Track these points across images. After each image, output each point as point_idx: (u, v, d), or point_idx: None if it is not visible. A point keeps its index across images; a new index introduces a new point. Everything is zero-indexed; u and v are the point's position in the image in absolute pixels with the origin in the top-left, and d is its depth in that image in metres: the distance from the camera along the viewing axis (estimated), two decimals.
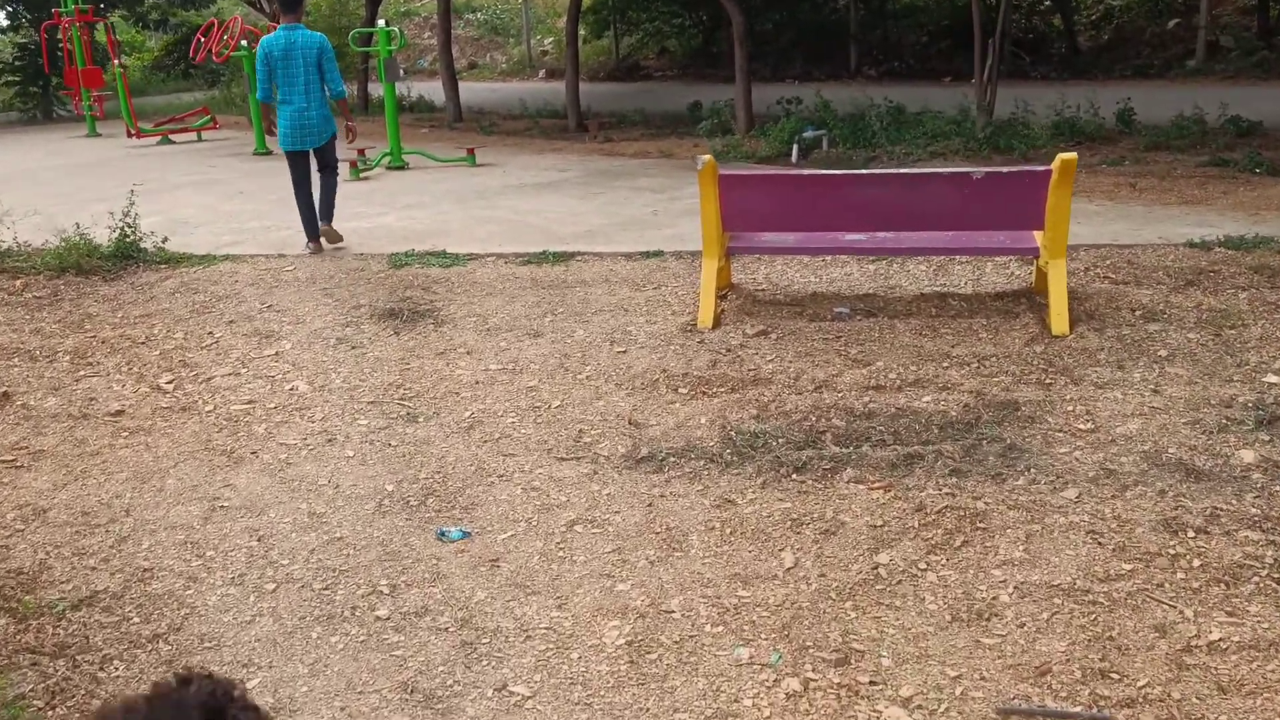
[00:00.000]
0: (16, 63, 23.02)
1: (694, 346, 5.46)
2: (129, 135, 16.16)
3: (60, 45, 19.17)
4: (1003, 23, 12.00)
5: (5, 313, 6.70)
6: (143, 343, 5.98)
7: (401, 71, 15.89)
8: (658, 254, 7.20)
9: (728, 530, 3.55)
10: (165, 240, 7.78)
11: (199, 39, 14.10)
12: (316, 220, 7.74)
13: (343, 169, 10.12)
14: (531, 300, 6.38)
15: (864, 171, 7.07)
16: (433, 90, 20.97)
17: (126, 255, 7.58)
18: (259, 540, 3.63)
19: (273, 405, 4.92)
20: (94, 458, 4.39)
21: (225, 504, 3.91)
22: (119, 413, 4.89)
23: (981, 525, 3.53)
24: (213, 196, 10.54)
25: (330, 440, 4.45)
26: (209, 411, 4.89)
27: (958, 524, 3.50)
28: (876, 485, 3.82)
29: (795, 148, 11.23)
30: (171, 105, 23.05)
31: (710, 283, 5.82)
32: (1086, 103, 11.61)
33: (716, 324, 5.75)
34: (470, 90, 21.10)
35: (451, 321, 6.06)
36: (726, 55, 24.59)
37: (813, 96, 14.07)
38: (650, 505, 3.75)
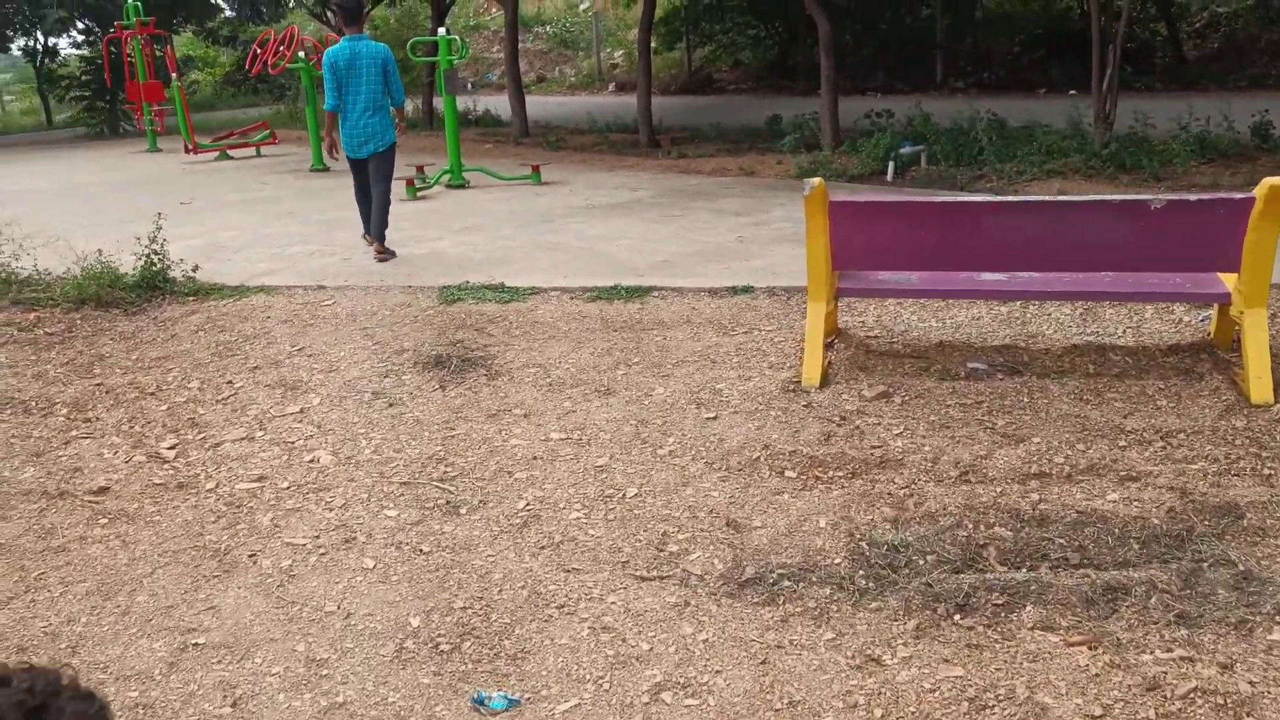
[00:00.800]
0: (84, 77, 22.84)
1: (800, 412, 4.45)
2: (187, 151, 15.64)
3: (124, 59, 18.82)
4: (1124, 29, 10.80)
5: (10, 351, 5.94)
6: (152, 393, 5.15)
7: (469, 84, 15.10)
8: (747, 290, 6.21)
9: (877, 712, 2.53)
10: (196, 269, 6.99)
11: (255, 51, 13.48)
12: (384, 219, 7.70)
13: (399, 187, 9.35)
14: (601, 346, 5.43)
15: (1007, 199, 6.01)
16: (500, 105, 20.25)
17: (152, 286, 6.80)
18: (233, 705, 2.70)
19: (286, 484, 4.02)
20: (57, 557, 3.53)
21: (201, 639, 3.00)
22: (103, 490, 4.04)
23: None
24: (258, 216, 9.79)
25: (348, 540, 3.52)
26: (209, 490, 4.01)
27: (1215, 718, 2.44)
28: (1076, 639, 2.77)
29: (891, 165, 10.16)
30: (235, 120, 22.69)
31: (817, 331, 4.81)
32: (1217, 115, 10.35)
33: (825, 382, 4.74)
34: (538, 104, 20.34)
35: (507, 373, 5.13)
36: (803, 68, 23.57)
37: (904, 110, 12.99)
38: (764, 662, 2.75)
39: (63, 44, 27.01)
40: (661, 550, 3.37)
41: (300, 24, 29.84)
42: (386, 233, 7.63)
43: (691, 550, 3.36)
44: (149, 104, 17.64)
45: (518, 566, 3.29)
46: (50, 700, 1.05)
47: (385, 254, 7.52)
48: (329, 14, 20.82)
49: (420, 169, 11.24)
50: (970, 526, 3.37)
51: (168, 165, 15.30)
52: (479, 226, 8.66)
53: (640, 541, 3.43)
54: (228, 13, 27.09)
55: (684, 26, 24.94)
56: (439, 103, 17.85)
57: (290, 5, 24.65)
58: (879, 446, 4.07)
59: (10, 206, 11.33)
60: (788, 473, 3.92)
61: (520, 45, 18.21)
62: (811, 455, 4.02)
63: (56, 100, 25.83)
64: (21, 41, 25.85)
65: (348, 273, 7.17)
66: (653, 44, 27.17)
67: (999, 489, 3.64)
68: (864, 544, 3.31)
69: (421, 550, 3.41)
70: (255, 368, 5.42)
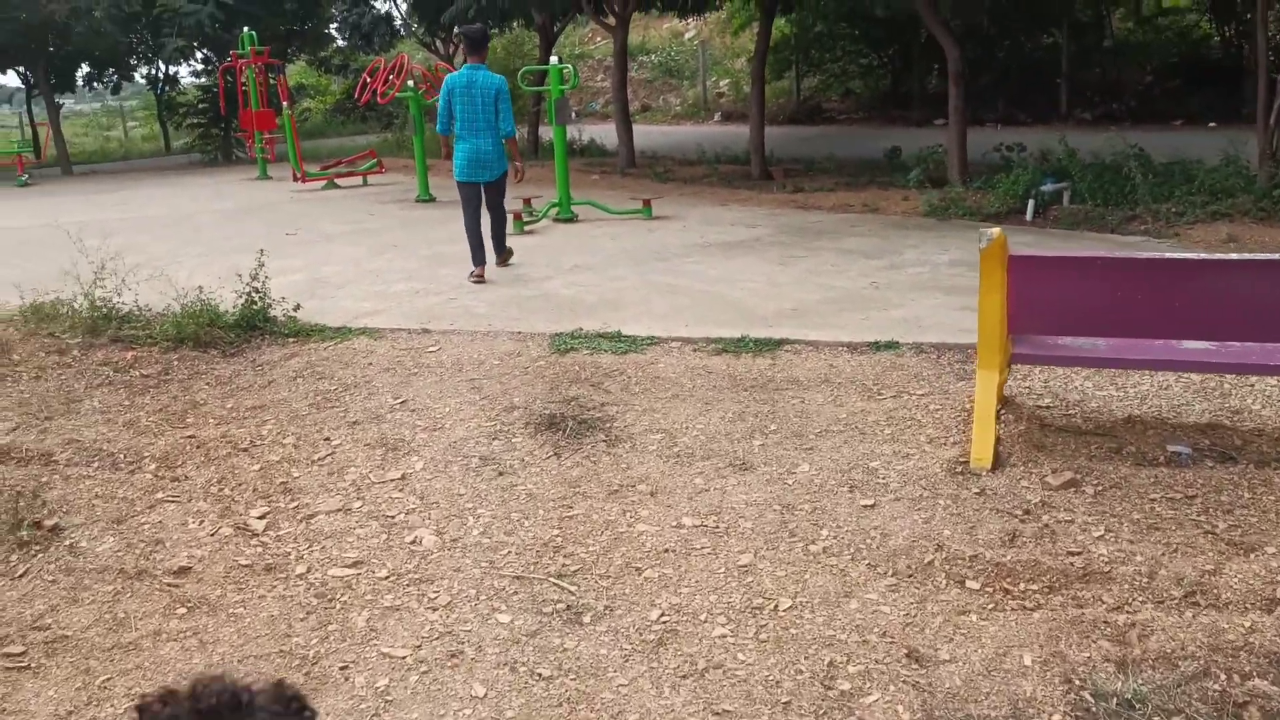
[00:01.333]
0: (200, 105, 23.32)
1: (973, 502, 3.80)
2: (295, 179, 15.64)
3: (238, 88, 19.07)
4: None
5: (105, 394, 5.65)
6: (245, 449, 4.76)
7: (574, 114, 14.82)
8: (891, 346, 5.57)
9: None
10: (297, 308, 6.65)
11: (365, 79, 13.35)
12: (484, 248, 7.82)
13: (507, 221, 9.00)
14: (732, 409, 4.85)
15: (1219, 256, 5.27)
16: (604, 134, 19.95)
17: (252, 325, 6.48)
18: None
19: (384, 572, 3.53)
20: (127, 657, 3.08)
21: None
22: (184, 571, 3.61)
23: None
24: (363, 249, 9.50)
25: (454, 655, 3.00)
26: (299, 576, 3.55)
27: None
28: None
29: (1031, 204, 9.40)
30: (344, 148, 22.88)
31: (989, 404, 4.16)
32: None
33: (998, 463, 4.08)
34: (643, 134, 19.96)
35: (628, 438, 4.59)
36: (918, 97, 22.75)
37: (1032, 141, 12.19)
38: None
39: (183, 73, 27.78)
40: (829, 688, 2.76)
41: (409, 53, 30.22)
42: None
43: (867, 689, 2.75)
44: (260, 132, 17.80)
45: (656, 704, 2.72)
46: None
47: (481, 277, 7.73)
48: (438, 42, 20.86)
49: (527, 201, 10.88)
50: (1222, 677, 2.68)
51: (276, 193, 15.31)
52: (590, 265, 8.19)
53: (802, 674, 2.83)
54: (340, 42, 27.52)
55: (793, 55, 24.39)
56: (544, 131, 17.62)
57: (400, 34, 24.86)
58: (1078, 553, 3.40)
59: (122, 234, 11.32)
60: (969, 583, 3.28)
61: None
62: (996, 561, 3.37)
63: (174, 127, 26.47)
64: (144, 70, 26.64)
65: (453, 314, 6.76)
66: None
67: (1245, 620, 2.95)
68: (1086, 694, 2.66)
69: (540, 674, 2.86)
70: (355, 422, 4.99)
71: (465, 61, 7.83)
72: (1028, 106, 20.35)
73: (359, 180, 16.01)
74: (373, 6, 21.18)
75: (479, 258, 7.73)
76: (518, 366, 5.61)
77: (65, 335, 6.61)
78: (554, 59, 10.28)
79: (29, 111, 27.65)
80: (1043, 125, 19.49)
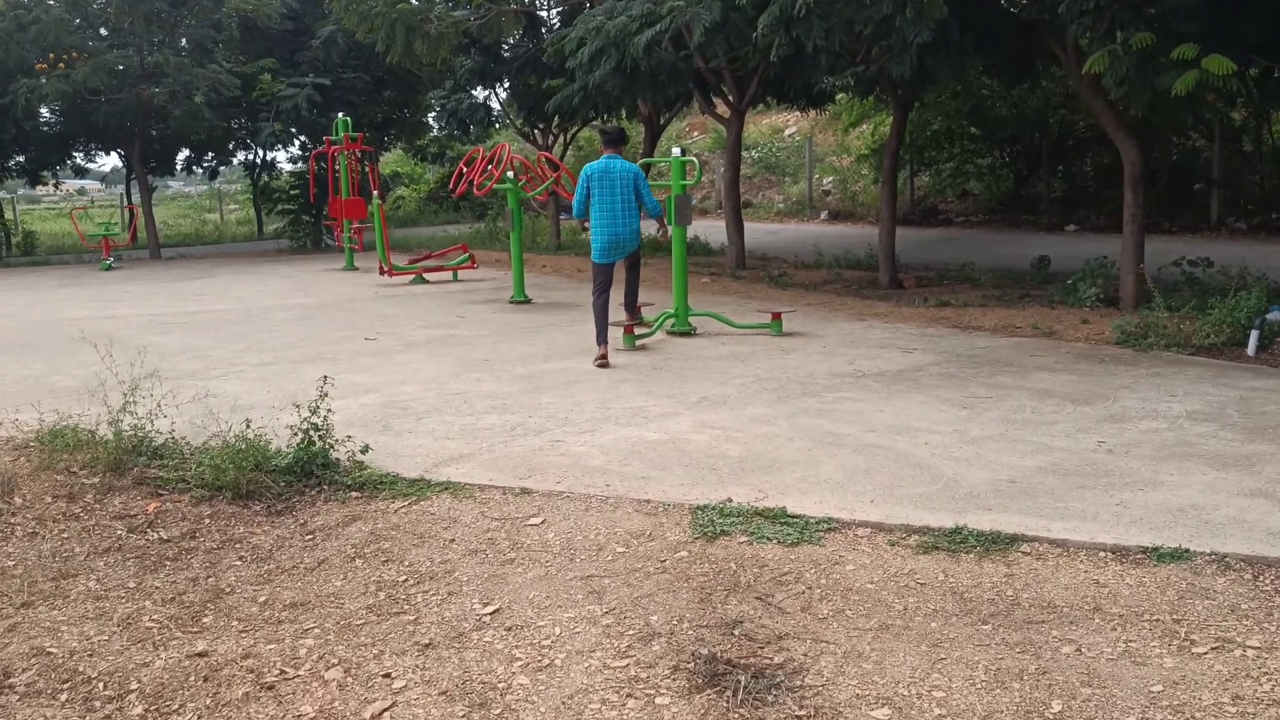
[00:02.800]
0: (292, 191, 22.78)
1: None
2: (381, 272, 14.61)
3: (329, 174, 18.36)
4: None
5: (108, 567, 4.31)
6: (270, 685, 3.31)
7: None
8: (1179, 556, 3.95)
9: None
10: (365, 450, 5.30)
11: (461, 169, 12.28)
12: (607, 331, 8.02)
13: (616, 335, 7.73)
14: (978, 660, 3.27)
15: None
16: (706, 230, 18.75)
17: (308, 471, 5.13)
18: None
19: None
20: None
21: None
22: None
23: None
24: (449, 364, 8.18)
25: None
26: None
27: None
28: None
29: (1255, 334, 7.70)
30: (435, 239, 22.08)
31: None
32: None
33: None
34: (748, 232, 18.68)
35: (833, 711, 3.03)
36: (1046, 200, 21.10)
37: (1194, 251, 10.56)
38: None
39: (280, 158, 27.53)
40: None
41: (508, 142, 29.68)
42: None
43: None
44: (349, 221, 16.95)
45: None
46: None
47: (605, 361, 7.83)
48: (536, 133, 20.02)
49: (638, 309, 9.50)
50: None
51: (361, 287, 14.28)
52: (723, 398, 6.71)
53: None
54: (436, 131, 27.04)
55: (907, 153, 23.05)
56: (647, 225, 16.45)
57: (497, 125, 24.11)
58: None
59: (187, 333, 10.25)
60: None
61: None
62: None
63: (268, 212, 26.12)
64: (243, 155, 26.43)
65: (560, 466, 5.32)
66: (864, 171, 25.43)
67: None
68: None
69: None
70: (427, 645, 3.52)
71: (601, 153, 8.31)
72: (1174, 214, 18.58)
73: (449, 275, 14.93)
74: (471, 95, 20.42)
75: (603, 337, 7.95)
76: (651, 559, 4.11)
77: (83, 473, 5.34)
78: (677, 150, 9.00)
79: (127, 193, 27.66)
80: (1190, 234, 17.71)
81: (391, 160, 37.72)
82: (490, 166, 11.32)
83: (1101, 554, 4.02)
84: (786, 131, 33.12)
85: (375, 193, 15.02)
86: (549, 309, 11.29)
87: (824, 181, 27.12)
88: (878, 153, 23.31)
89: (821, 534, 4.27)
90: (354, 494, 5.00)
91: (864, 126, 23.90)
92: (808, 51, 9.54)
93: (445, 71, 21.00)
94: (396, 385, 7.34)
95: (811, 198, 25.93)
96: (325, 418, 5.20)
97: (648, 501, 4.72)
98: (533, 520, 4.57)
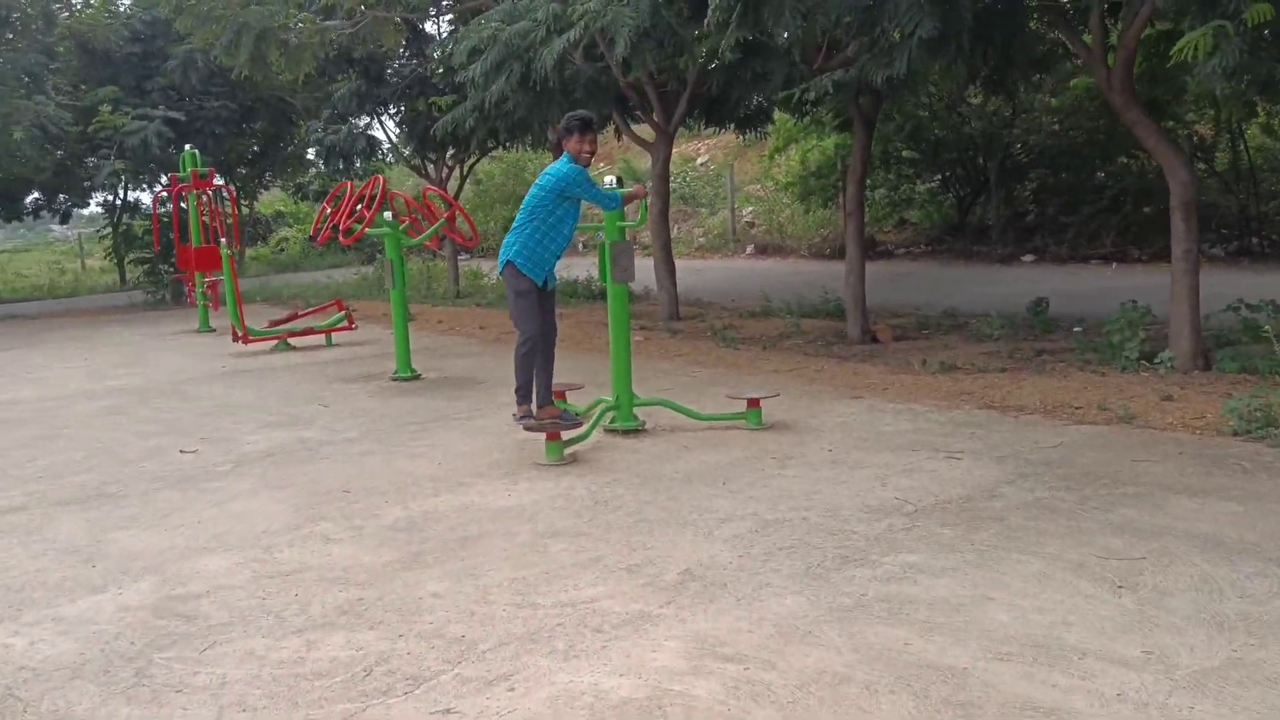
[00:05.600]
0: (145, 237, 19.59)
1: None
2: (235, 339, 11.78)
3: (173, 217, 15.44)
4: None
5: None
6: None
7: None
8: None
9: None
10: None
11: (324, 209, 9.59)
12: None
13: (536, 448, 5.19)
14: None
15: None
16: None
17: None
18: None
19: None
20: None
21: None
22: None
23: None
24: (287, 503, 5.48)
25: None
26: None
27: None
28: None
29: None
30: (317, 286, 19.21)
31: None
32: None
33: None
34: None
35: None
36: (997, 229, 19.17)
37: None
38: None
39: (145, 199, 24.20)
40: None
41: (401, 180, 26.77)
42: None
43: None
44: (201, 273, 14.06)
45: None
46: None
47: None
48: (428, 165, 17.39)
49: (561, 395, 6.95)
50: None
51: (207, 358, 11.43)
52: (717, 572, 4.18)
53: None
54: (319, 166, 24.12)
55: (839, 180, 21.02)
56: (573, 269, 13.73)
57: (386, 158, 21.23)
58: None
59: None
60: None
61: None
62: None
63: (129, 261, 22.80)
64: (101, 196, 23.06)
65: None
66: (787, 201, 23.34)
67: None
68: None
69: None
70: None
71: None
72: (1142, 241, 16.83)
73: (320, 339, 12.17)
74: (352, 123, 17.66)
75: (525, 395, 6.38)
76: None
77: None
78: (610, 179, 6.55)
79: None
80: (1163, 261, 15.97)
81: (275, 199, 34.50)
82: (360, 206, 8.67)
83: None
84: (699, 160, 31.11)
85: (224, 241, 12.17)
86: (442, 389, 8.67)
87: (743, 212, 25.02)
88: (806, 179, 21.32)
89: None
90: None
91: (790, 151, 21.87)
92: (777, 44, 7.19)
93: (323, 98, 18.27)
94: (194, 557, 4.64)
95: (735, 230, 23.76)
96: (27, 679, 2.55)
97: None
98: None
